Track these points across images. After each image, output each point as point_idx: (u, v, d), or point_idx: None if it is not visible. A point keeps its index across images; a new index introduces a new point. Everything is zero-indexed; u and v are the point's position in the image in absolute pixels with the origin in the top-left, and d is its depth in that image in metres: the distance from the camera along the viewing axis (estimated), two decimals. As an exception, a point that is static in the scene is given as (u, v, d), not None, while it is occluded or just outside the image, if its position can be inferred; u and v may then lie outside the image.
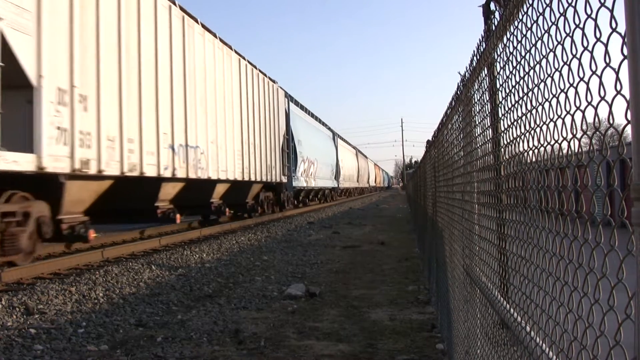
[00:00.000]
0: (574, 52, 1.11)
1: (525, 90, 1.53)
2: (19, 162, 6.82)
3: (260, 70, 17.75)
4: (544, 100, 1.34)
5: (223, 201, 15.14)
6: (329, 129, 39.33)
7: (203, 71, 12.72)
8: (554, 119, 1.26)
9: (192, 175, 11.85)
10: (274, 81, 19.93)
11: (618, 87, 0.90)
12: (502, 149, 1.96)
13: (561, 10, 1.17)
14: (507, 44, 1.79)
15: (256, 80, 17.26)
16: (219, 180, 13.73)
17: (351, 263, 10.09)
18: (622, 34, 0.89)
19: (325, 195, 35.99)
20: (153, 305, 6.50)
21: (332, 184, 36.04)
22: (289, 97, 23.69)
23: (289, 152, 21.96)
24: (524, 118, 1.56)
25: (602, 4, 0.95)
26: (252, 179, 16.32)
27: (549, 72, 1.30)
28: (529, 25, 1.47)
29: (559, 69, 1.21)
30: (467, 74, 2.90)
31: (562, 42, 1.18)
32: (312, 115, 33.32)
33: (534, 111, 1.44)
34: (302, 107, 29.51)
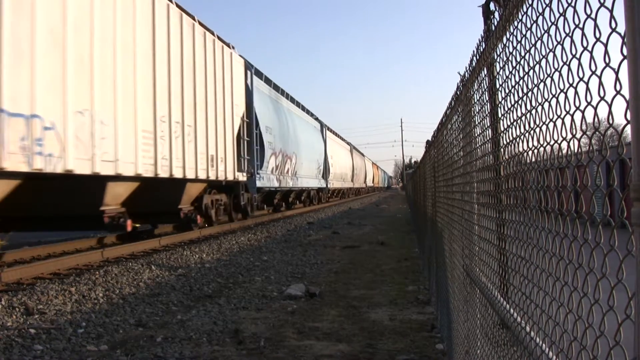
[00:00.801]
0: (573, 52, 1.11)
1: (525, 90, 1.53)
2: None
3: (200, 22, 12.36)
4: (544, 100, 1.34)
5: (126, 209, 10.23)
6: (317, 119, 32.68)
7: None
8: (554, 119, 1.26)
9: (18, 167, 6.74)
10: (227, 44, 14.39)
11: (617, 87, 0.90)
12: (502, 149, 1.96)
13: (561, 11, 1.17)
14: (507, 44, 1.79)
15: (189, 34, 11.77)
16: (107, 177, 8.83)
17: (351, 263, 10.09)
18: (622, 34, 0.89)
19: (311, 197, 29.96)
20: (153, 306, 6.50)
21: (319, 183, 30.12)
22: (253, 70, 17.50)
23: (251, 141, 16.43)
24: (523, 118, 1.56)
25: (602, 4, 0.95)
26: (179, 175, 11.06)
27: (548, 72, 1.30)
28: (528, 25, 1.47)
29: (559, 69, 1.21)
30: (466, 74, 2.90)
31: (561, 42, 1.18)
32: (293, 101, 26.03)
33: (533, 111, 1.44)
34: (276, 88, 22.38)
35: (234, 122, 14.73)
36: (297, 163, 23.62)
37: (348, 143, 46.93)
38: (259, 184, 17.33)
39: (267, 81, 21.07)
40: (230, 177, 14.34)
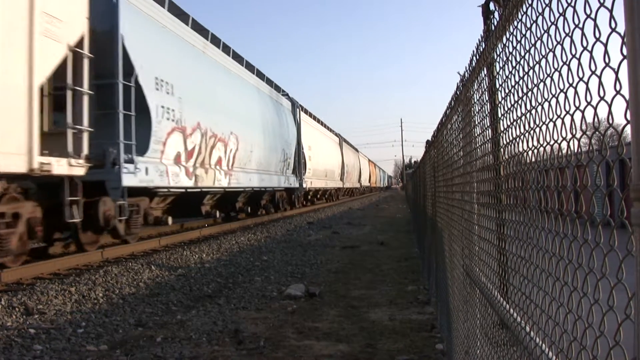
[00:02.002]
0: (573, 52, 1.11)
1: (525, 90, 1.53)
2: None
3: None
4: (544, 100, 1.34)
5: None
6: (287, 96, 23.40)
7: None
8: (554, 119, 1.26)
9: None
10: None
11: (617, 87, 0.90)
12: (502, 149, 1.96)
13: (560, 10, 1.17)
14: (507, 44, 1.79)
15: None
16: None
17: (350, 263, 10.09)
18: (622, 34, 0.89)
19: (277, 200, 21.30)
20: (152, 306, 6.50)
21: (287, 182, 21.45)
22: None
23: (111, 101, 9.09)
24: (523, 118, 1.56)
25: (602, 4, 0.95)
26: None
27: (548, 72, 1.30)
28: (528, 25, 1.46)
29: (559, 69, 1.21)
30: (466, 74, 2.90)
31: (561, 42, 1.18)
32: (239, 59, 16.84)
33: (533, 111, 1.44)
34: (200, 29, 13.70)
35: (36, 49, 7.02)
36: (240, 150, 15.15)
37: (337, 134, 38.63)
38: (132, 181, 9.34)
39: (174, 7, 12.33)
40: (18, 167, 6.79)
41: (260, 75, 19.22)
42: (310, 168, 25.86)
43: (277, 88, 21.94)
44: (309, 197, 28.99)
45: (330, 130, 36.20)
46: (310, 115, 28.75)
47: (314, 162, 26.89)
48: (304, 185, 24.45)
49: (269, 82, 20.57)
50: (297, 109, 23.98)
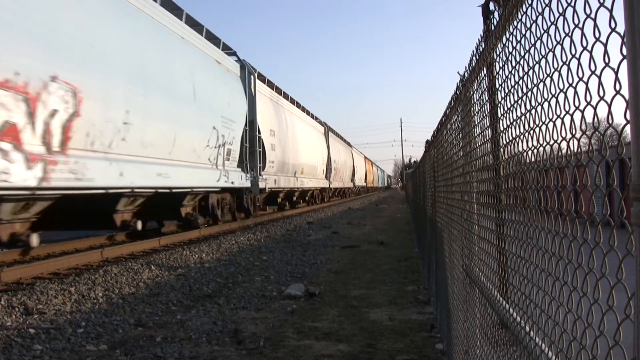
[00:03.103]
0: (573, 52, 1.11)
1: (525, 90, 1.53)
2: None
3: None
4: (543, 100, 1.34)
5: None
6: (234, 54, 15.72)
7: None
8: (553, 119, 1.26)
9: None
10: None
11: (617, 87, 0.90)
12: (501, 149, 1.96)
13: (560, 10, 1.17)
14: (506, 44, 1.79)
15: None
16: None
17: (350, 263, 10.09)
18: (621, 34, 0.89)
19: (211, 207, 13.73)
20: (152, 305, 6.50)
21: (225, 179, 13.51)
22: None
23: None
24: (523, 118, 1.56)
25: (602, 4, 0.95)
26: None
27: (548, 72, 1.30)
28: (528, 25, 1.47)
29: (558, 69, 1.21)
30: (466, 73, 2.90)
31: (561, 42, 1.18)
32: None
33: (533, 111, 1.44)
34: None
35: None
36: (87, 116, 7.69)
37: (322, 123, 31.30)
38: None
39: None
40: None
41: (172, 7, 11.60)
42: (274, 161, 18.51)
43: (214, 39, 14.12)
44: (279, 200, 22.03)
45: (313, 116, 28.72)
46: (279, 90, 20.60)
47: (280, 153, 19.48)
48: (262, 185, 16.95)
49: (194, 25, 12.77)
50: (251, 76, 16.11)
